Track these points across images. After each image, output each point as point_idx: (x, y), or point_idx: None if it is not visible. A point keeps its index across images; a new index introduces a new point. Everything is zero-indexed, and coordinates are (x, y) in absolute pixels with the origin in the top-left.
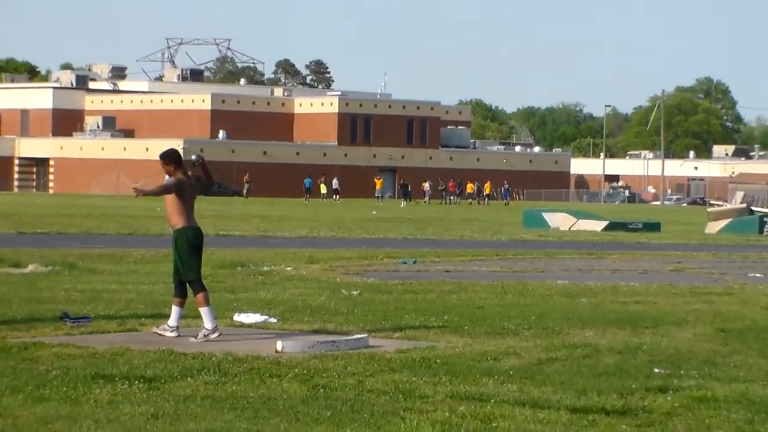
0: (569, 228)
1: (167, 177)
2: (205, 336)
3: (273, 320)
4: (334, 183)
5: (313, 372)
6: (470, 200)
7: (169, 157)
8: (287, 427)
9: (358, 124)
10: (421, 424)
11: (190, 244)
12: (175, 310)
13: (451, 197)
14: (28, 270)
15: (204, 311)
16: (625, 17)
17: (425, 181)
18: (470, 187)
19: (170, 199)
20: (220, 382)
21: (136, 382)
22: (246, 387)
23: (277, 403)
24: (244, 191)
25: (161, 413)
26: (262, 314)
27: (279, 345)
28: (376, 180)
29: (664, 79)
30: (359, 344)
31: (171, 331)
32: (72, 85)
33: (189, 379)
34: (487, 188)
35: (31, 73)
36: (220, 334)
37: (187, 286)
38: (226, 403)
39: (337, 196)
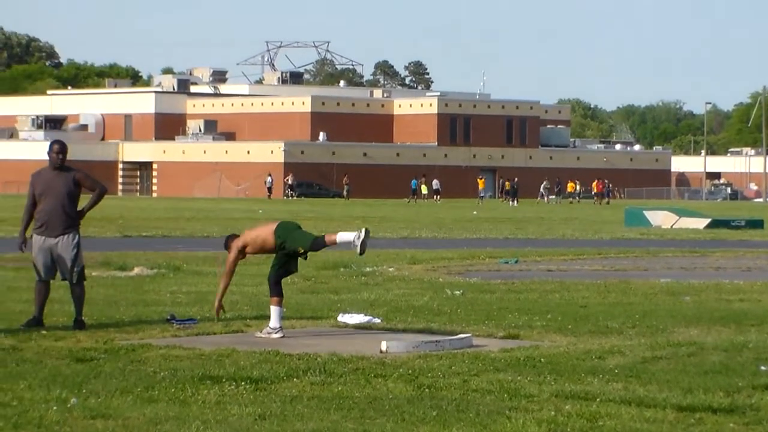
0: (671, 226)
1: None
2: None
3: (377, 320)
4: (435, 183)
5: (418, 372)
6: (571, 199)
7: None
8: (394, 427)
9: (458, 125)
10: (528, 423)
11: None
12: (274, 310)
13: (598, 197)
14: (133, 273)
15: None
16: (724, 14)
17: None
18: (571, 186)
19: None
20: (325, 383)
21: (243, 383)
22: (351, 387)
23: (382, 403)
24: (345, 193)
25: (268, 414)
26: (365, 315)
27: (384, 345)
28: (478, 180)
29: (765, 75)
30: (463, 344)
31: (275, 333)
32: (174, 89)
33: (295, 379)
34: (595, 186)
35: (133, 78)
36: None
37: (281, 284)
38: (332, 403)
39: (438, 197)
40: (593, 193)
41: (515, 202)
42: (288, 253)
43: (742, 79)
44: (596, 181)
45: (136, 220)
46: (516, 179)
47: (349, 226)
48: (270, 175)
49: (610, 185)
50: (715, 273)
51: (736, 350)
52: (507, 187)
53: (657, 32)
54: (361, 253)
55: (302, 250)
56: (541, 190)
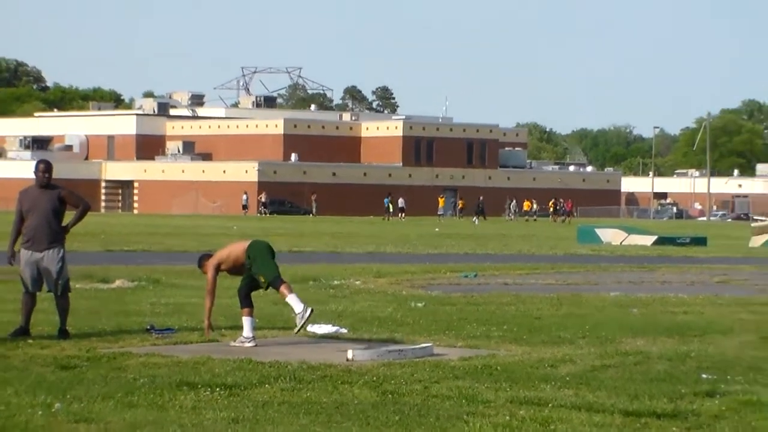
0: (620, 243)
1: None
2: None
3: (344, 330)
4: (401, 202)
5: (382, 379)
6: (527, 217)
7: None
8: (359, 430)
9: (422, 147)
10: (484, 427)
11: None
12: (246, 321)
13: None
14: (115, 285)
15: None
16: (672, 43)
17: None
18: (527, 205)
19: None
20: (295, 389)
21: (218, 389)
22: (320, 393)
23: (348, 408)
24: (313, 210)
25: (241, 418)
26: (333, 325)
27: (350, 354)
28: (439, 198)
29: (710, 102)
30: (425, 353)
31: (248, 342)
32: (154, 112)
33: (267, 386)
34: (550, 205)
35: (116, 101)
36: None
37: (250, 297)
38: (302, 408)
39: (403, 214)
40: (565, 211)
41: (477, 220)
42: (252, 274)
43: (688, 105)
44: (568, 200)
45: (117, 236)
46: (481, 198)
47: (318, 241)
48: (246, 193)
49: (563, 203)
50: (661, 287)
51: (680, 359)
52: (460, 206)
53: (609, 60)
54: (297, 332)
55: (263, 280)
56: (512, 208)
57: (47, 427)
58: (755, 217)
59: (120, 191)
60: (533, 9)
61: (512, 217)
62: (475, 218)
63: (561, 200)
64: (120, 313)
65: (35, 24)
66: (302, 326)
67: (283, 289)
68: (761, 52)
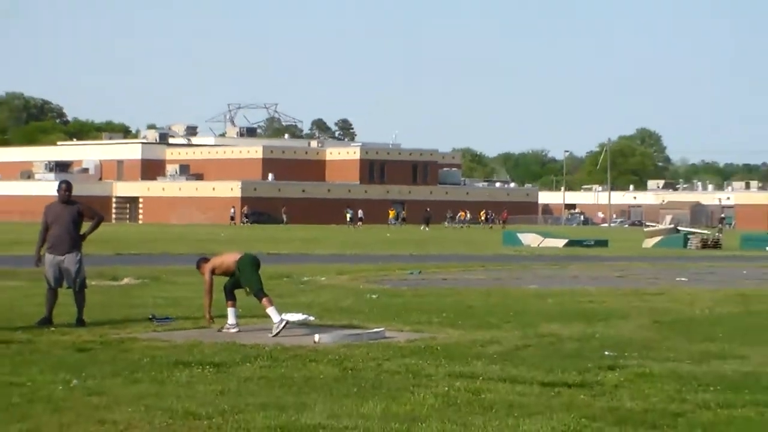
0: (538, 245)
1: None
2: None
3: (312, 318)
4: (359, 213)
5: (343, 357)
6: (461, 225)
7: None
8: (324, 399)
9: (375, 168)
10: (427, 396)
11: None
12: (230, 311)
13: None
14: (123, 282)
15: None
16: (578, 81)
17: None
18: (462, 215)
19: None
20: (272, 366)
21: (208, 366)
22: (292, 369)
23: (315, 381)
24: (284, 219)
25: (227, 390)
26: (303, 314)
27: (316, 337)
28: (389, 211)
29: (610, 129)
30: (378, 336)
31: (233, 328)
32: (156, 140)
33: (248, 364)
34: (481, 215)
35: (124, 132)
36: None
37: (234, 292)
38: (277, 382)
39: (361, 223)
40: (492, 218)
41: (426, 227)
42: (237, 279)
43: (592, 132)
44: (504, 211)
45: (126, 242)
46: (429, 209)
47: (291, 246)
48: (233, 207)
49: (493, 214)
50: (571, 281)
51: (587, 340)
52: (393, 215)
53: (527, 95)
54: (272, 336)
55: (248, 290)
56: (456, 217)
57: (66, 399)
58: (647, 223)
59: (128, 206)
60: (464, 54)
61: (449, 224)
62: (424, 226)
63: (491, 211)
64: (127, 306)
65: (58, 68)
66: (277, 333)
67: (264, 301)
68: (651, 87)
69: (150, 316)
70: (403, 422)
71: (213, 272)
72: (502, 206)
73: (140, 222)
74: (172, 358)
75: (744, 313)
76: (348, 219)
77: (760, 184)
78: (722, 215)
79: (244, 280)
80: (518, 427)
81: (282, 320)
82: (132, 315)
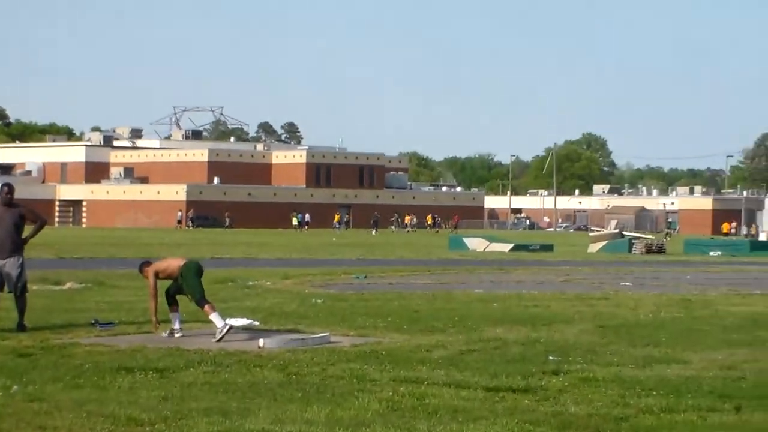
0: (484, 249)
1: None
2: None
3: (256, 323)
4: (307, 217)
5: (288, 362)
6: (408, 229)
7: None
8: (268, 404)
9: (321, 171)
10: (371, 401)
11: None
12: (173, 316)
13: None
14: (66, 287)
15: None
16: (525, 84)
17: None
18: (407, 219)
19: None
20: (215, 371)
21: (151, 372)
22: (236, 375)
23: (260, 387)
24: (227, 223)
25: (170, 396)
26: (248, 318)
27: (261, 342)
28: (335, 215)
29: (556, 134)
30: (323, 341)
31: (177, 333)
32: (100, 143)
33: (191, 369)
34: (428, 219)
35: (68, 134)
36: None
37: (176, 297)
38: (221, 387)
39: (307, 227)
40: (453, 225)
41: (375, 231)
42: (180, 285)
43: (539, 136)
44: (455, 215)
45: (69, 246)
46: (377, 213)
47: (236, 250)
48: (180, 211)
49: (439, 218)
50: (517, 285)
51: (531, 344)
52: (338, 219)
53: (473, 99)
54: (215, 341)
55: (189, 297)
56: (401, 220)
57: (6, 405)
58: (592, 228)
59: (71, 209)
60: (411, 58)
61: (396, 229)
62: (373, 230)
63: (437, 215)
64: (69, 310)
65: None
66: (220, 338)
67: (206, 308)
68: (597, 92)
69: (93, 321)
70: (347, 427)
71: (157, 276)
72: (448, 210)
73: (84, 225)
74: (115, 364)
75: (687, 318)
76: (296, 223)
77: (703, 189)
78: (669, 220)
79: (187, 287)
80: None
81: (226, 325)
82: (74, 320)
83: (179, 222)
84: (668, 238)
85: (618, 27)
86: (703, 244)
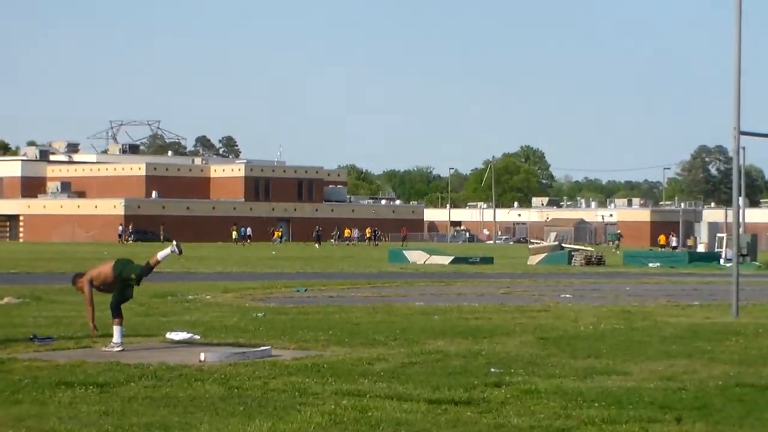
0: (424, 262)
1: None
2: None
3: (197, 337)
4: (248, 230)
5: (229, 376)
6: (347, 242)
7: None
8: (210, 419)
9: (260, 185)
10: (313, 415)
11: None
12: (116, 329)
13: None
14: (3, 302)
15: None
16: (464, 99)
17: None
18: (347, 232)
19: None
20: (156, 386)
21: (91, 387)
22: (177, 389)
23: (201, 401)
24: (161, 237)
25: (111, 411)
26: (188, 333)
27: (202, 356)
28: (275, 231)
29: (494, 147)
30: (264, 354)
31: (117, 347)
32: (36, 157)
33: (132, 384)
34: (367, 232)
35: (4, 148)
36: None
37: (120, 309)
38: (162, 401)
39: (249, 241)
40: (402, 237)
41: (318, 245)
42: (125, 280)
43: (477, 149)
44: (402, 228)
45: (5, 260)
46: (318, 227)
47: (175, 264)
48: (121, 225)
49: (378, 231)
50: (457, 298)
51: (473, 356)
52: (275, 235)
53: (411, 112)
54: (180, 252)
55: (134, 277)
56: (341, 233)
57: None
58: (532, 240)
59: (8, 223)
60: (348, 71)
61: (336, 242)
62: (316, 243)
63: (377, 228)
64: (7, 325)
65: None
66: (179, 249)
67: (151, 260)
68: (534, 105)
69: (31, 336)
70: None
71: (91, 283)
72: (388, 223)
73: (21, 240)
74: (54, 379)
75: (627, 329)
76: (238, 236)
77: (641, 201)
78: (618, 231)
79: (128, 271)
80: None
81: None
82: (12, 335)
83: (120, 236)
84: (616, 250)
85: (554, 39)
86: (641, 255)
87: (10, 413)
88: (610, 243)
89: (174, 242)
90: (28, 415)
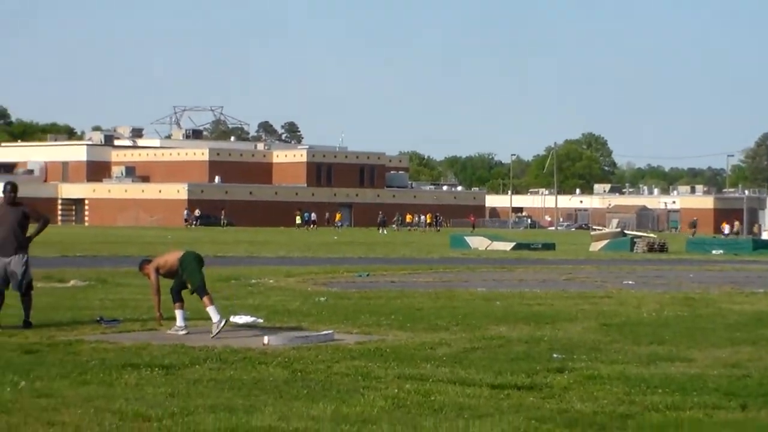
0: (485, 248)
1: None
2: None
3: (260, 321)
4: (313, 216)
5: (293, 360)
6: (409, 228)
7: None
8: (274, 401)
9: (322, 170)
10: (377, 399)
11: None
12: (178, 313)
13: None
14: (70, 284)
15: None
16: (527, 84)
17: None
18: (409, 218)
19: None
20: (221, 368)
21: (156, 369)
22: (241, 372)
23: (265, 384)
24: (222, 221)
25: (176, 392)
26: (251, 316)
27: (266, 339)
28: (336, 214)
29: (556, 133)
30: (327, 338)
31: (181, 330)
32: (101, 142)
33: (197, 366)
34: (428, 218)
35: (69, 133)
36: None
37: (181, 293)
38: (226, 384)
39: (314, 225)
40: (471, 224)
41: (384, 230)
42: (183, 280)
43: (539, 136)
44: (470, 215)
45: (72, 244)
46: (382, 212)
47: (238, 248)
48: (187, 209)
49: (440, 217)
50: (519, 284)
51: (535, 342)
52: (337, 218)
53: (473, 100)
54: (212, 337)
55: (189, 287)
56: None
57: (14, 401)
58: (594, 227)
59: (73, 207)
60: (412, 58)
61: (397, 228)
62: (382, 230)
63: (438, 214)
64: (74, 308)
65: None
66: (217, 333)
67: (205, 299)
68: (598, 92)
69: (97, 318)
70: (353, 424)
71: (158, 271)
72: (449, 210)
73: (86, 224)
74: (121, 360)
75: (690, 316)
76: (303, 221)
77: (704, 188)
78: (695, 218)
79: (186, 275)
80: (468, 429)
81: (222, 320)
82: (79, 317)
83: (186, 220)
84: (693, 237)
85: (620, 26)
86: (705, 242)
87: (79, 394)
88: (692, 229)
89: (225, 321)
90: (96, 395)
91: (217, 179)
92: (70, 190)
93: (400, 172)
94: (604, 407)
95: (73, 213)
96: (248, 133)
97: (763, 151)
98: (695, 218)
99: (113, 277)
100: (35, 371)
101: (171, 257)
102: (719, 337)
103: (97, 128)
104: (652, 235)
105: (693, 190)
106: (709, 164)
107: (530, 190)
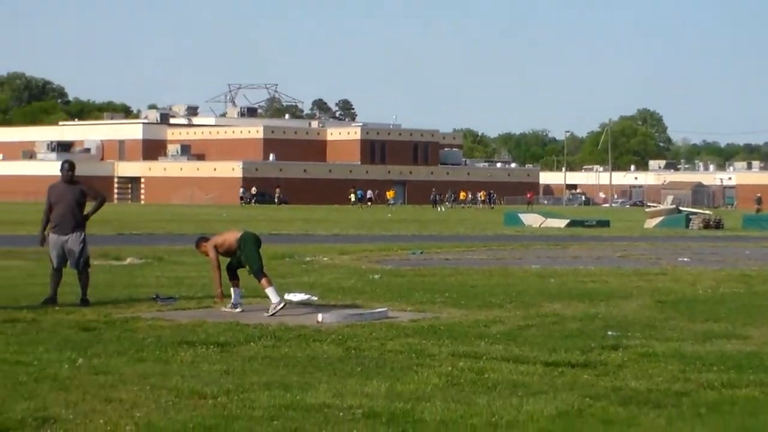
0: (539, 225)
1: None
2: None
3: (315, 298)
4: (369, 193)
5: (346, 337)
6: (463, 205)
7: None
8: (328, 379)
9: (376, 148)
10: (430, 376)
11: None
12: (234, 291)
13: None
14: (126, 262)
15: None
16: (580, 60)
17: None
18: (463, 195)
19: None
20: (275, 346)
21: (212, 346)
22: (295, 349)
23: (319, 361)
24: (276, 199)
25: (231, 370)
26: (306, 294)
27: (320, 317)
28: (388, 192)
29: (611, 109)
30: (381, 316)
31: (237, 308)
32: (157, 120)
33: (252, 344)
34: (482, 195)
35: (125, 112)
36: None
37: (238, 272)
38: (281, 361)
39: (370, 203)
40: (528, 201)
41: (441, 207)
42: (240, 259)
43: (593, 112)
44: (530, 192)
45: (128, 222)
46: (435, 190)
47: (293, 226)
48: (242, 187)
49: (494, 194)
50: (573, 261)
51: (589, 320)
52: (390, 196)
53: (528, 75)
54: (268, 316)
55: (248, 268)
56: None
57: (72, 378)
58: (648, 204)
59: (129, 186)
60: (466, 34)
61: (451, 205)
62: (440, 207)
63: (492, 191)
64: (130, 285)
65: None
66: (274, 313)
67: (263, 281)
68: (652, 68)
69: (154, 296)
70: (407, 401)
71: (216, 249)
72: (503, 186)
73: (142, 202)
74: (177, 338)
75: (747, 293)
76: (356, 198)
77: (761, 164)
78: (758, 195)
79: (245, 257)
80: (522, 407)
81: (281, 302)
82: (136, 294)
83: (242, 198)
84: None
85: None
86: (761, 219)
87: (135, 370)
88: (756, 206)
89: (284, 303)
90: (152, 372)
91: (271, 157)
92: (126, 169)
93: (454, 149)
94: (658, 385)
95: (129, 191)
96: (302, 111)
97: None
98: (759, 194)
99: (169, 255)
100: (92, 348)
101: (230, 236)
102: None
103: (152, 106)
104: (707, 211)
105: (749, 166)
106: (766, 140)
107: (584, 166)
